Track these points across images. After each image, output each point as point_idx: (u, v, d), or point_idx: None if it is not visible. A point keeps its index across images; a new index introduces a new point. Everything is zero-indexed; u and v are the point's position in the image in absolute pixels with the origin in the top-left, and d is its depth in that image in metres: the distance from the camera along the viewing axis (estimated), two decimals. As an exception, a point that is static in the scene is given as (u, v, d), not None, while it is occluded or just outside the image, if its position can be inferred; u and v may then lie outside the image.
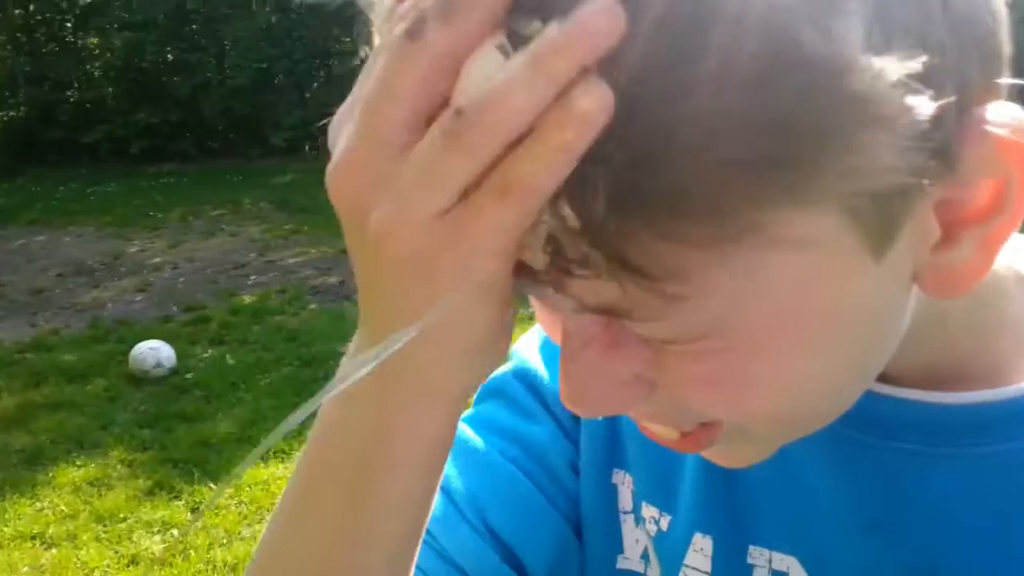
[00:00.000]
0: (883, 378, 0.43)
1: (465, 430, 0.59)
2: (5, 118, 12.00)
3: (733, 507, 0.50)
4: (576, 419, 0.58)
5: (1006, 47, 0.33)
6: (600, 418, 0.46)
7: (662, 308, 0.30)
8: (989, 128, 0.31)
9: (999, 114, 0.31)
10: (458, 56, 0.27)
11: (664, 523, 0.53)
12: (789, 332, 0.32)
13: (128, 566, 2.91)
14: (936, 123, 0.28)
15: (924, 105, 0.28)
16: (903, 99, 0.27)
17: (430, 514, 0.45)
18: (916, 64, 0.27)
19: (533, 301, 0.37)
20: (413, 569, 0.43)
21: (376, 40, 0.32)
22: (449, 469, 0.57)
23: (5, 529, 3.13)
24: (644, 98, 0.26)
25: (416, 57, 0.27)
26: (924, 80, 0.27)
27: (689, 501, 0.52)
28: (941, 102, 0.28)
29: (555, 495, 0.57)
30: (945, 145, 0.30)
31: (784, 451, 0.47)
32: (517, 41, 0.26)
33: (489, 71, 0.26)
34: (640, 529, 0.55)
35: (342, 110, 0.32)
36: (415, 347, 0.32)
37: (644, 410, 0.39)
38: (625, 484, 0.56)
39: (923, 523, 0.43)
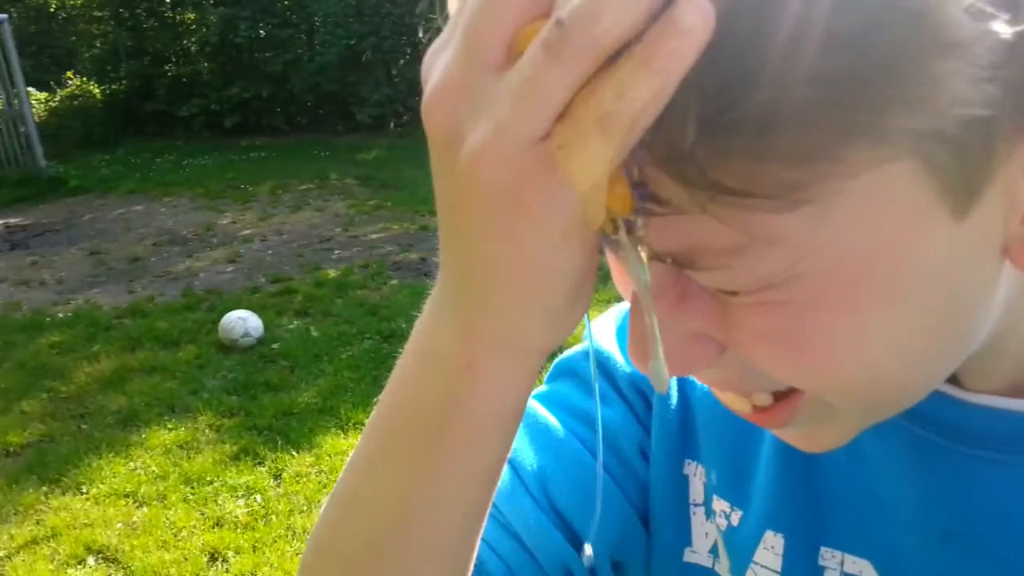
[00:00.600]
0: (964, 382, 0.41)
1: (536, 407, 0.59)
2: (108, 91, 12.50)
3: (807, 506, 0.49)
4: (648, 405, 0.58)
5: None
6: (672, 376, 0.44)
7: (736, 250, 0.29)
8: None
9: None
10: None
11: (735, 518, 0.53)
12: (860, 285, 0.30)
13: (213, 528, 3.03)
14: (1014, 53, 0.27)
15: (999, 30, 0.26)
16: (976, 23, 0.26)
17: (498, 487, 0.44)
18: None
19: (608, 256, 0.37)
20: (483, 525, 0.42)
21: None
22: (519, 443, 0.57)
23: (101, 486, 3.29)
24: (733, 19, 0.25)
25: None
26: (999, 5, 0.26)
27: (762, 497, 0.51)
28: (1019, 28, 0.27)
29: (623, 479, 0.57)
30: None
31: (861, 451, 0.45)
32: None
33: None
34: (710, 523, 0.54)
35: (435, 44, 0.31)
36: (500, 302, 0.32)
37: (714, 375, 0.38)
38: (697, 476, 0.55)
39: (999, 535, 0.42)
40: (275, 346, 4.44)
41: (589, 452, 0.56)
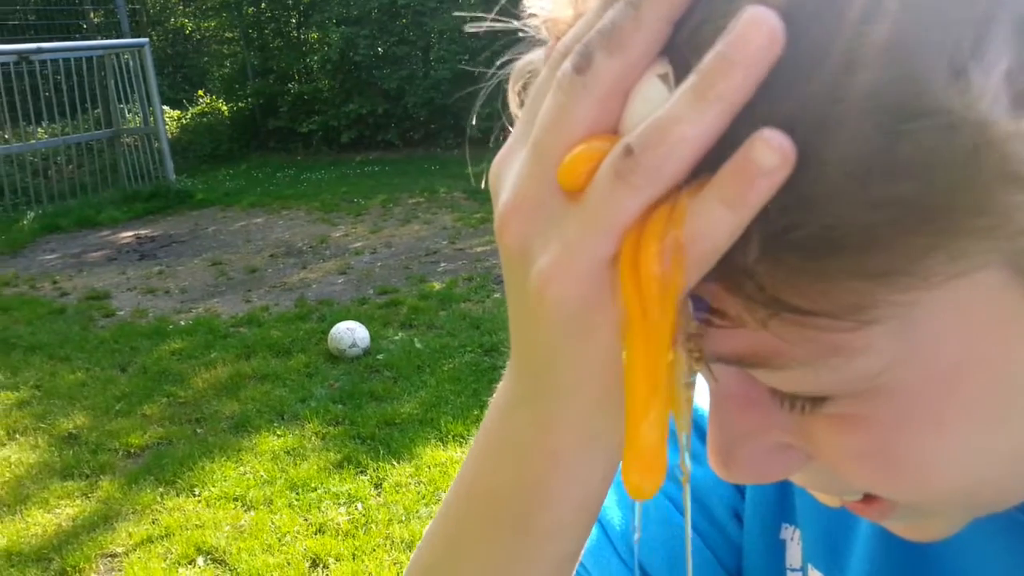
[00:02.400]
0: None
1: None
2: (234, 108, 13.15)
3: None
4: None
5: None
6: (753, 484, 0.43)
7: (811, 357, 0.28)
8: None
9: None
10: (625, 88, 0.27)
11: None
12: (950, 398, 0.29)
13: (315, 534, 3.11)
14: None
15: None
16: None
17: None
18: None
19: None
20: None
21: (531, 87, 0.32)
22: (609, 500, 0.57)
23: (213, 489, 3.43)
24: (796, 140, 0.25)
25: (584, 90, 0.27)
26: None
27: (859, 571, 0.48)
28: None
29: (714, 541, 0.56)
30: None
31: (971, 543, 0.42)
32: (680, 70, 0.26)
33: (655, 103, 0.26)
34: None
35: (503, 150, 0.32)
36: (577, 405, 0.32)
37: (800, 478, 0.36)
38: (794, 540, 0.54)
39: None
40: (380, 357, 4.53)
41: (679, 512, 0.55)
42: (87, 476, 3.60)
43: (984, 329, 0.28)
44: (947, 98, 0.24)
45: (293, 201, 8.86)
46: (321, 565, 2.96)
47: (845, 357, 0.28)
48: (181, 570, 2.97)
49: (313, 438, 3.78)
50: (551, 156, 0.28)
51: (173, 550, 3.07)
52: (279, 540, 3.09)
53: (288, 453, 3.66)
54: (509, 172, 0.31)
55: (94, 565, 3.03)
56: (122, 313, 5.66)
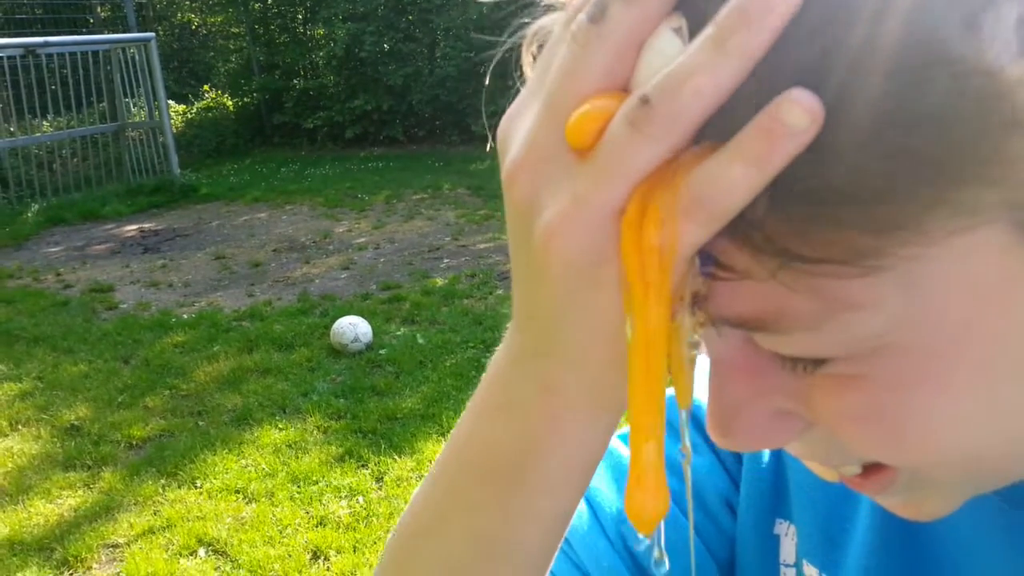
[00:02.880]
0: None
1: (620, 448, 0.58)
2: (240, 104, 13.16)
3: None
4: (738, 458, 0.57)
5: None
6: (752, 452, 0.43)
7: (816, 316, 0.28)
8: None
9: None
10: (640, 40, 0.27)
11: None
12: (951, 359, 0.28)
13: (316, 527, 3.12)
14: None
15: None
16: None
17: (572, 524, 0.44)
18: None
19: None
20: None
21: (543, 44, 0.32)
22: (601, 483, 0.57)
23: (215, 481, 3.44)
24: None
25: (599, 41, 0.27)
26: None
27: (856, 568, 0.48)
28: None
29: (706, 531, 0.56)
30: None
31: (972, 537, 0.42)
32: (695, 25, 0.26)
33: (668, 56, 0.26)
34: None
35: (512, 108, 0.32)
36: (581, 364, 0.32)
37: (799, 448, 0.36)
38: (788, 535, 0.53)
39: None
40: (382, 352, 4.53)
41: (672, 500, 0.55)
42: (89, 467, 3.61)
43: (988, 290, 0.28)
44: (960, 48, 0.24)
45: (297, 196, 8.87)
46: (322, 557, 2.96)
47: (851, 314, 0.27)
48: (182, 561, 2.98)
49: (315, 432, 3.78)
50: (563, 108, 0.28)
51: (175, 541, 3.08)
52: (280, 532, 3.10)
53: (290, 446, 3.67)
54: (519, 128, 0.30)
55: (96, 555, 3.03)
56: (125, 306, 5.67)
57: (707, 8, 0.25)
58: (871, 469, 0.35)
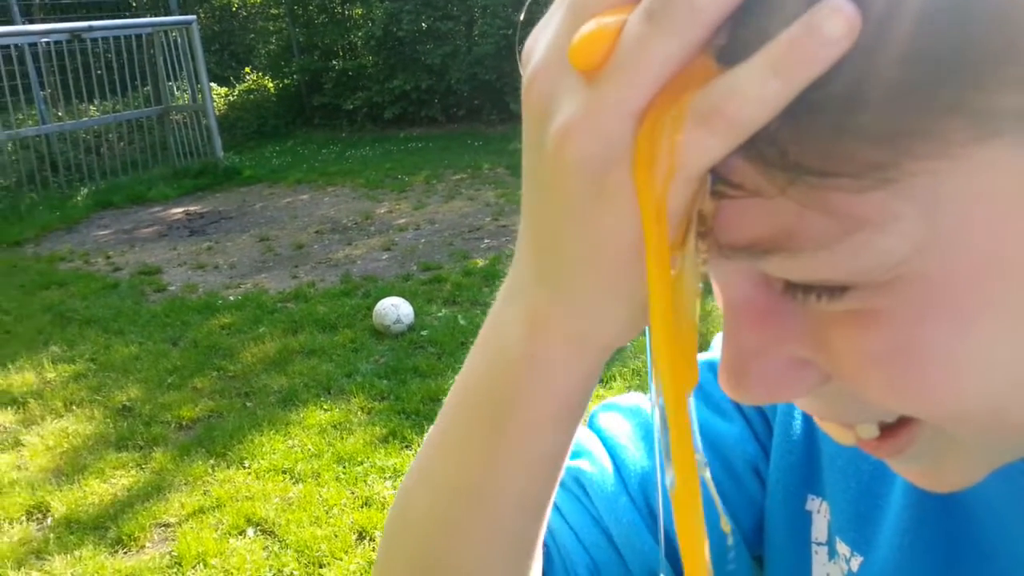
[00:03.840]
0: None
1: (644, 405, 0.58)
2: (280, 85, 13.24)
3: (945, 561, 0.44)
4: (769, 426, 0.56)
5: None
6: (766, 403, 0.41)
7: (831, 236, 0.26)
8: None
9: None
10: None
11: (855, 564, 0.48)
12: (974, 293, 0.27)
13: (361, 507, 3.16)
14: None
15: None
16: None
17: (585, 471, 0.46)
18: None
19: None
20: (548, 511, 0.43)
21: None
22: (628, 441, 0.57)
23: (262, 461, 3.50)
24: None
25: None
26: None
27: (889, 547, 0.46)
28: None
29: (732, 496, 0.55)
30: None
31: (1016, 504, 0.40)
32: None
33: None
34: (834, 564, 0.51)
35: (537, 28, 0.31)
36: (572, 290, 0.31)
37: (812, 404, 0.34)
38: (821, 512, 0.52)
39: None
40: (424, 333, 4.56)
41: (702, 465, 0.54)
42: (141, 448, 3.70)
43: (1008, 220, 0.26)
44: None
45: (338, 178, 8.92)
46: (368, 538, 3.00)
47: (866, 233, 0.26)
48: (232, 540, 3.04)
49: (359, 413, 3.83)
50: (588, 10, 0.27)
51: (224, 521, 3.14)
52: (326, 512, 3.15)
53: (335, 427, 3.72)
54: (542, 40, 0.29)
55: (148, 534, 3.11)
56: (173, 288, 5.78)
57: None
58: (888, 430, 0.33)
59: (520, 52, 0.32)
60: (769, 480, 0.54)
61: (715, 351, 0.58)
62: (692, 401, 0.32)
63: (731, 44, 0.25)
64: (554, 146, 0.28)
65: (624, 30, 0.26)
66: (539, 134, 0.29)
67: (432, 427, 0.43)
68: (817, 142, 0.24)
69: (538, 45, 0.29)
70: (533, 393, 0.35)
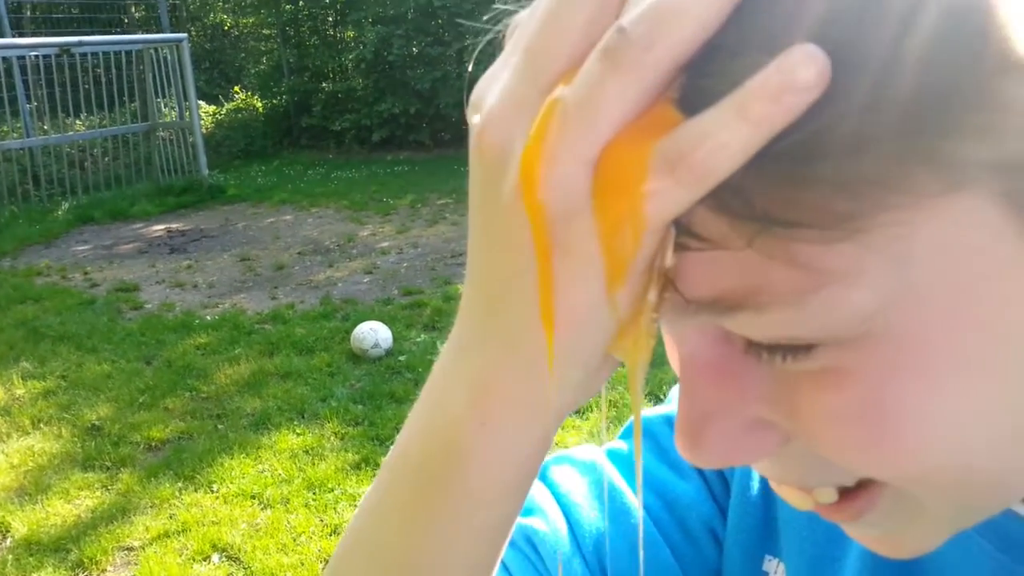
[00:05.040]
0: None
1: (608, 466, 0.57)
2: (269, 105, 13.26)
3: None
4: (727, 486, 0.55)
5: None
6: (723, 467, 0.40)
7: (798, 291, 0.25)
8: None
9: None
10: None
11: None
12: (941, 349, 0.26)
13: (330, 535, 3.11)
14: None
15: None
16: None
17: (538, 531, 0.44)
18: None
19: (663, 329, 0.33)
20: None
21: None
22: (582, 499, 0.56)
23: (231, 486, 3.44)
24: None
25: None
26: None
27: None
28: None
29: (685, 554, 0.54)
30: None
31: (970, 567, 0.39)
32: None
33: None
34: None
35: (489, 71, 0.29)
36: (527, 353, 0.29)
37: (770, 468, 0.33)
38: (778, 573, 0.51)
39: None
40: (402, 358, 4.52)
41: (654, 524, 0.53)
42: (108, 468, 3.63)
43: (979, 276, 0.25)
44: None
45: (323, 199, 8.90)
46: (334, 567, 2.95)
47: (833, 288, 0.25)
48: (196, 566, 2.98)
49: (332, 438, 3.78)
50: (544, 56, 0.26)
51: (189, 546, 3.08)
52: (294, 540, 3.09)
53: (307, 452, 3.67)
54: (494, 86, 0.28)
55: (111, 558, 3.05)
56: (150, 306, 5.72)
57: None
58: (847, 494, 0.32)
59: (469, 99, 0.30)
60: (727, 541, 0.53)
61: (673, 404, 0.57)
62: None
63: (692, 92, 0.24)
64: (511, 197, 0.26)
65: (579, 72, 0.25)
66: (493, 186, 0.27)
67: (370, 488, 0.40)
68: (783, 192, 0.24)
69: (490, 92, 0.28)
70: (481, 460, 0.32)
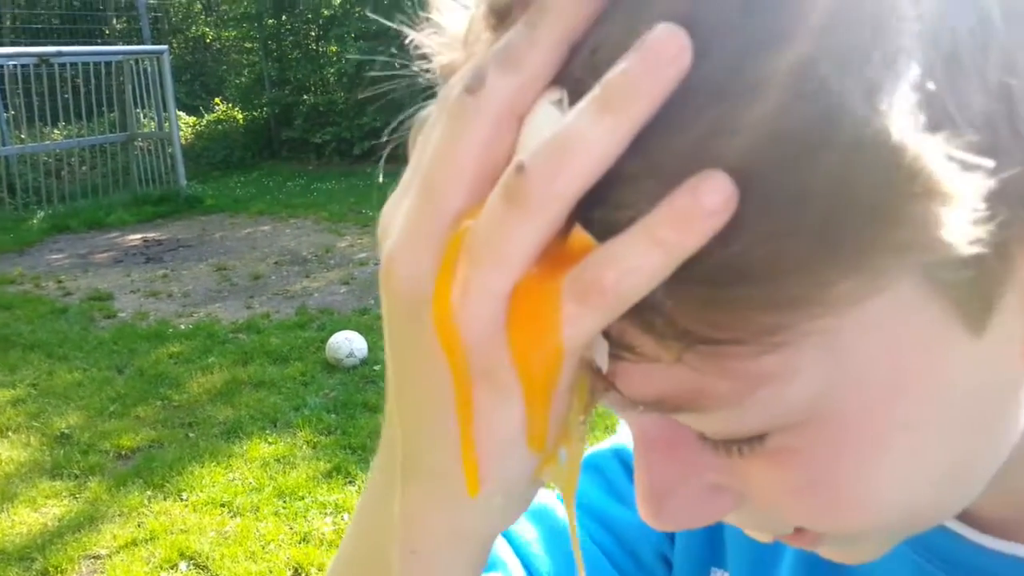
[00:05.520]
0: (980, 519, 0.38)
1: (556, 503, 0.57)
2: (250, 117, 13.23)
3: None
4: None
5: None
6: (687, 530, 0.43)
7: (737, 394, 0.26)
8: None
9: None
10: (519, 111, 0.25)
11: None
12: (885, 420, 0.28)
13: (299, 543, 3.08)
14: (1007, 185, 0.25)
15: (980, 181, 0.24)
16: (959, 173, 0.23)
17: None
18: (973, 137, 0.24)
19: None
20: None
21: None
22: (540, 550, 0.56)
23: (200, 494, 3.41)
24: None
25: (477, 113, 0.25)
26: (985, 150, 0.24)
27: None
28: (1004, 174, 0.24)
29: None
30: None
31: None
32: (575, 97, 0.24)
33: (552, 125, 0.24)
34: None
35: (393, 196, 0.30)
36: (454, 488, 0.29)
37: (733, 518, 0.35)
38: None
39: None
40: (377, 367, 4.51)
41: (605, 556, 0.54)
42: (76, 476, 3.59)
43: (911, 347, 0.27)
44: (857, 121, 0.23)
45: (302, 210, 8.88)
46: (303, 574, 2.93)
47: (772, 388, 0.26)
48: (163, 574, 2.94)
49: (304, 447, 3.76)
50: (442, 187, 0.26)
51: (156, 554, 3.04)
52: (263, 548, 3.06)
53: (278, 461, 3.64)
54: (398, 215, 0.28)
55: (77, 566, 3.01)
56: (123, 315, 5.67)
57: (588, 81, 0.24)
58: (799, 531, 0.34)
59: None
60: (675, 559, 0.54)
61: (621, 435, 0.58)
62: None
63: (599, 220, 0.24)
64: (426, 333, 0.27)
65: (484, 212, 0.25)
66: (407, 321, 0.28)
67: None
68: (705, 313, 0.24)
69: (394, 222, 0.28)
70: None
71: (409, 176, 0.29)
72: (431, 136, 0.27)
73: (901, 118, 0.23)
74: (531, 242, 0.24)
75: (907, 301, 0.26)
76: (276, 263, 6.87)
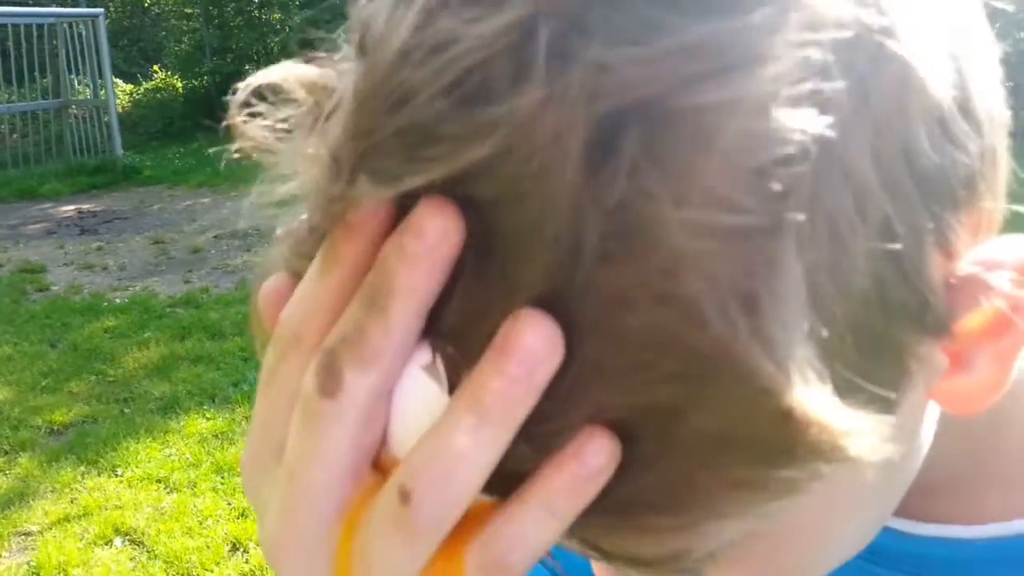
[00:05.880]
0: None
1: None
2: (189, 86, 12.91)
3: None
4: None
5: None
6: None
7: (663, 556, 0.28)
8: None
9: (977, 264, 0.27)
10: (387, 391, 0.24)
11: None
12: (820, 511, 0.30)
13: (237, 518, 3.07)
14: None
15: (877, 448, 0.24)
16: (840, 420, 0.23)
17: None
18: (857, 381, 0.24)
19: None
20: None
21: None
22: None
23: (136, 470, 3.37)
24: None
25: (339, 417, 0.24)
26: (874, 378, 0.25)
27: None
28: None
29: None
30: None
31: None
32: (446, 358, 0.23)
33: (425, 403, 0.24)
34: None
35: (250, 459, 0.29)
36: None
37: None
38: None
39: None
40: (318, 344, 4.49)
41: None
42: (6, 452, 3.51)
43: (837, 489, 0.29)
44: (750, 370, 0.22)
45: (243, 183, 8.71)
46: (241, 549, 2.92)
47: (698, 553, 0.27)
48: (97, 551, 2.91)
49: (243, 422, 3.73)
50: (313, 489, 0.25)
51: (90, 530, 3.01)
52: (200, 523, 3.05)
53: (216, 436, 3.62)
54: (263, 490, 0.28)
55: (6, 543, 2.96)
56: (56, 288, 5.53)
57: (453, 346, 0.23)
58: None
59: None
60: None
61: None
62: None
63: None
64: None
65: (368, 529, 0.25)
66: None
67: None
68: (611, 535, 0.26)
69: (260, 499, 0.28)
70: None
71: (260, 436, 0.28)
72: (277, 387, 0.27)
73: (795, 368, 0.22)
74: (422, 557, 0.24)
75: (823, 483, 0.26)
76: (216, 237, 6.75)
